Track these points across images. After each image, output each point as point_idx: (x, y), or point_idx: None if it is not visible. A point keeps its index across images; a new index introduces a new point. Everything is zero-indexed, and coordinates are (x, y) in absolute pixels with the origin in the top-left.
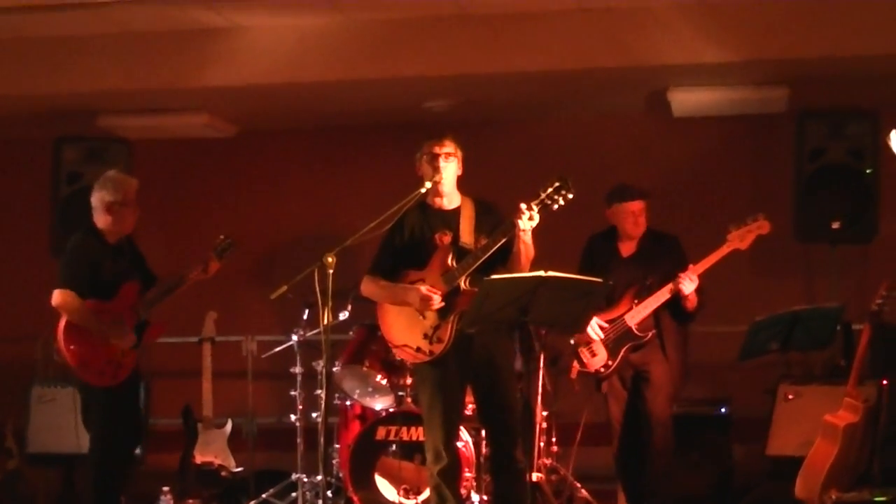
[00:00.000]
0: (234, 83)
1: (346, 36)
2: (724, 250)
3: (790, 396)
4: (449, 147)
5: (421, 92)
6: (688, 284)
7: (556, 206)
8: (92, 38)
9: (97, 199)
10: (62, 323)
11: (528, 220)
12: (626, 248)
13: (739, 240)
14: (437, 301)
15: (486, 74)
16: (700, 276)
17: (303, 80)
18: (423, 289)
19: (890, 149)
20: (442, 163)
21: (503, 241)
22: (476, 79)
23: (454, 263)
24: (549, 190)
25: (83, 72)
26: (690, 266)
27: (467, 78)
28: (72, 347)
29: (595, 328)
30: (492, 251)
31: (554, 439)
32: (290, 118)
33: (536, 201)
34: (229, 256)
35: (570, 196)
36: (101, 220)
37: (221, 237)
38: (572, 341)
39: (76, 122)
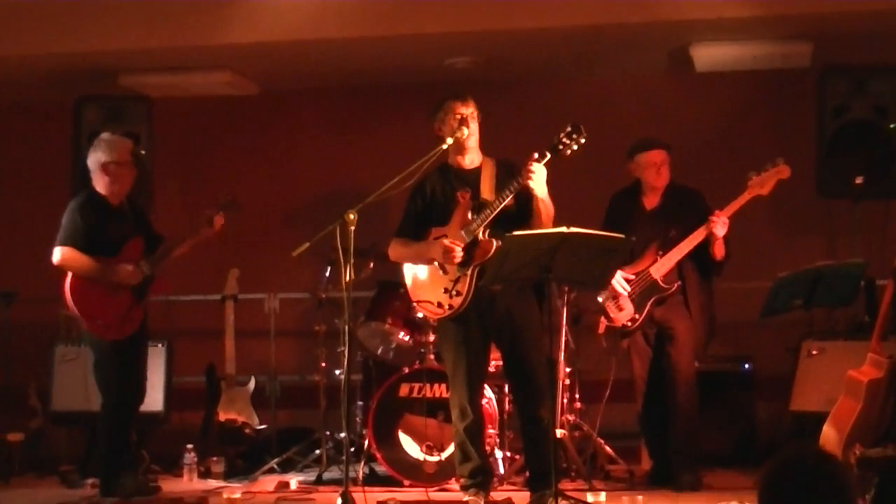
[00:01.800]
0: (256, 40)
1: None
2: (745, 196)
3: (814, 352)
4: (472, 107)
5: (443, 49)
6: (720, 227)
7: (568, 152)
8: None
9: (93, 161)
10: (67, 279)
11: (535, 174)
12: (650, 202)
13: (760, 186)
14: (458, 253)
15: (509, 31)
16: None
17: (325, 37)
18: (446, 242)
19: None
20: (469, 122)
21: (518, 189)
22: (498, 35)
23: (474, 217)
24: (562, 135)
25: (104, 31)
26: (717, 211)
27: (489, 35)
28: (79, 301)
29: (621, 282)
30: (507, 200)
31: (577, 396)
32: (312, 77)
33: (550, 147)
34: (233, 213)
35: (583, 140)
36: (98, 181)
37: (222, 196)
38: (600, 298)
39: (97, 82)
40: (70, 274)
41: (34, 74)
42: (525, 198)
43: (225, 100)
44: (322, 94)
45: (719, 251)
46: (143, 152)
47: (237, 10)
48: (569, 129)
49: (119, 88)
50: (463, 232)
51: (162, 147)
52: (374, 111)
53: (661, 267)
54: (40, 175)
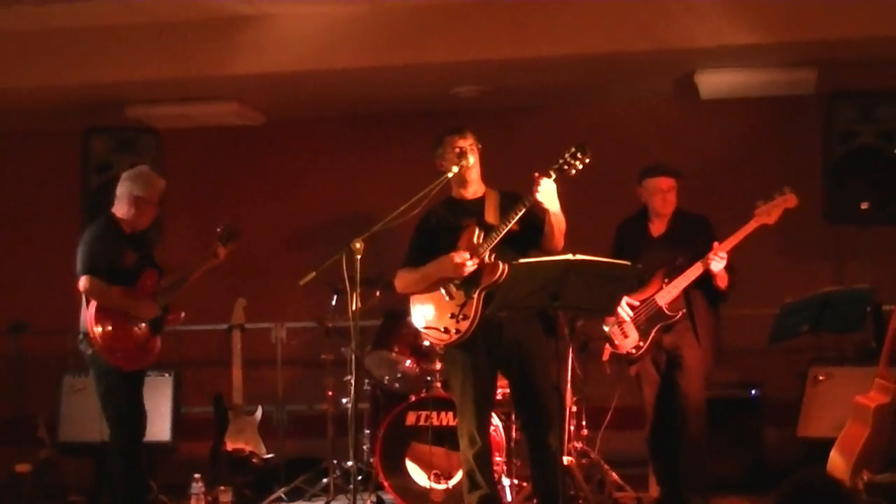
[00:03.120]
0: (263, 71)
1: (374, 23)
2: (751, 225)
3: (821, 378)
4: (470, 140)
5: (449, 78)
6: (717, 263)
7: (573, 171)
8: (120, 29)
9: (126, 189)
10: (92, 308)
11: (543, 188)
12: (657, 228)
13: (766, 214)
14: (469, 264)
15: (515, 60)
16: (729, 254)
17: (331, 68)
18: (454, 255)
19: None
20: (468, 154)
21: (526, 208)
22: (504, 65)
23: (480, 240)
24: (567, 155)
25: (111, 62)
26: (716, 244)
27: (495, 64)
28: (102, 331)
29: (625, 308)
30: (513, 222)
31: (584, 423)
32: (319, 106)
33: (554, 166)
34: (234, 243)
35: (587, 160)
36: (123, 210)
37: (220, 228)
38: (606, 327)
39: (104, 114)
40: (94, 303)
41: (42, 105)
42: (532, 221)
43: (232, 130)
44: (328, 123)
45: (721, 282)
46: None
47: (244, 42)
48: (573, 149)
49: (126, 120)
50: (470, 253)
51: (171, 177)
52: (380, 140)
53: (666, 294)
54: (48, 205)
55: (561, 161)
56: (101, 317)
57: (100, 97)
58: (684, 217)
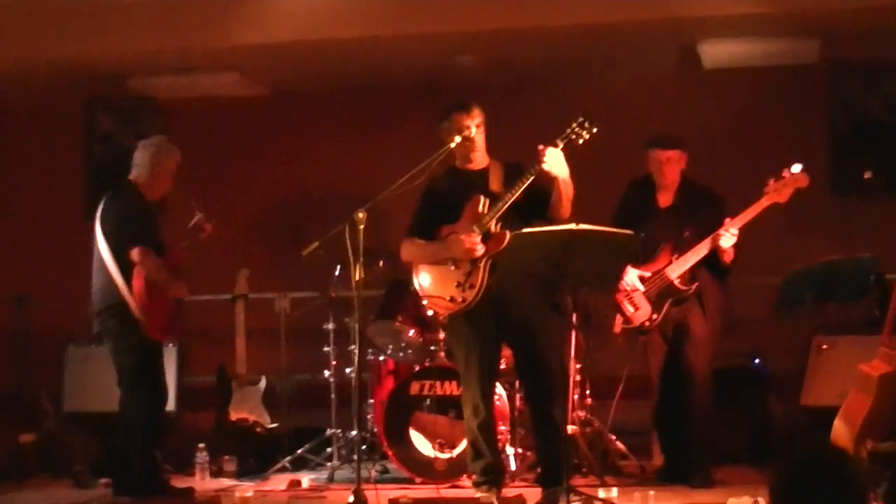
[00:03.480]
0: (265, 41)
1: None
2: (763, 203)
3: (825, 347)
4: (477, 118)
5: (451, 49)
6: (727, 238)
7: (580, 141)
8: (121, 1)
9: (147, 157)
10: (140, 279)
11: (550, 157)
12: (664, 199)
13: (777, 193)
14: (479, 248)
15: (516, 29)
16: (739, 230)
17: (332, 38)
18: (463, 237)
19: None
20: (474, 133)
21: (531, 178)
22: (506, 34)
23: (485, 209)
24: (574, 125)
25: (113, 34)
26: (727, 220)
27: (497, 34)
28: (150, 303)
29: (636, 280)
30: (519, 192)
31: (588, 393)
32: (321, 77)
33: (561, 136)
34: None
35: (594, 130)
36: (144, 178)
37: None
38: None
39: (107, 85)
40: (142, 274)
41: (44, 78)
42: (537, 191)
43: (234, 101)
44: (330, 94)
45: (727, 257)
46: None
47: (245, 12)
48: (581, 118)
49: (128, 91)
50: (475, 226)
51: None
52: (382, 111)
53: (676, 268)
54: (51, 178)
55: (568, 131)
56: (145, 287)
57: (102, 69)
58: (693, 189)
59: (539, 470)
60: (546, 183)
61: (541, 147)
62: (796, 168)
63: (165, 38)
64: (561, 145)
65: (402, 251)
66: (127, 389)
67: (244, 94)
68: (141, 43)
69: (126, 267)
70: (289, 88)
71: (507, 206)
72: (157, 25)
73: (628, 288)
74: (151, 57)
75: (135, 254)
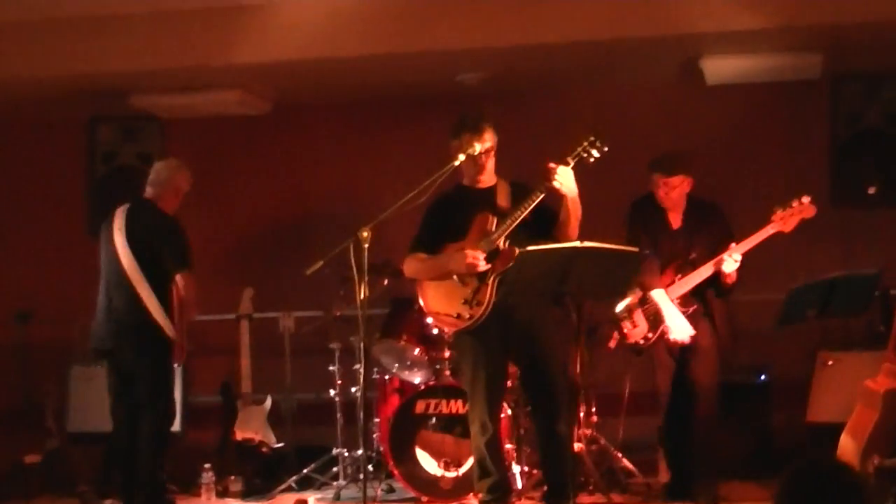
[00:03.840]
0: (267, 60)
1: (377, 10)
2: (767, 231)
3: (830, 363)
4: (488, 142)
5: (453, 65)
6: (729, 264)
7: (591, 160)
8: (123, 19)
9: (168, 177)
10: (178, 302)
11: (561, 175)
12: (675, 220)
13: (783, 222)
14: (482, 263)
15: (519, 46)
16: (743, 255)
17: (335, 56)
18: (468, 251)
19: None
20: (484, 160)
21: (540, 198)
22: (508, 51)
23: (493, 227)
24: (585, 143)
25: (115, 52)
26: (732, 245)
27: (499, 50)
28: (180, 325)
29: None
30: (528, 211)
31: (594, 410)
32: (324, 94)
33: (572, 154)
34: None
35: (605, 149)
36: (164, 199)
37: None
38: (618, 309)
39: (109, 103)
40: (180, 296)
41: (47, 94)
42: (544, 210)
43: (237, 118)
44: (333, 110)
45: (728, 279)
46: None
47: (247, 30)
48: (591, 137)
49: (130, 109)
50: (482, 243)
51: None
52: (385, 127)
53: (677, 289)
54: (54, 194)
55: (579, 149)
56: (181, 311)
57: (104, 86)
58: (698, 207)
59: (545, 488)
60: (554, 201)
61: (551, 165)
62: (805, 199)
63: (167, 56)
64: (572, 163)
65: (405, 267)
66: (147, 408)
67: (246, 112)
68: (143, 61)
69: (157, 286)
70: (291, 105)
71: (516, 223)
72: (159, 44)
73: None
74: (153, 75)
75: (182, 277)
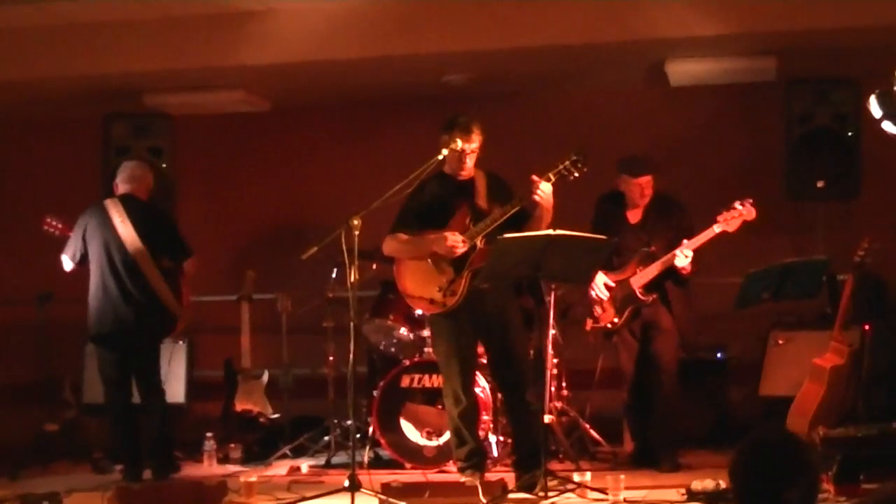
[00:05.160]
0: (268, 62)
1: (370, 16)
2: (713, 231)
3: (781, 341)
4: (475, 142)
5: (441, 67)
6: (681, 259)
7: (572, 178)
8: (136, 23)
9: (148, 179)
10: (187, 287)
11: (542, 190)
12: (634, 216)
13: (727, 223)
14: (461, 247)
15: (500, 50)
16: (694, 251)
17: (330, 58)
18: (448, 234)
19: (870, 112)
20: (468, 158)
21: (517, 208)
22: (491, 54)
23: (472, 224)
24: (567, 163)
25: (128, 54)
26: (685, 241)
27: (483, 53)
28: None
29: (601, 288)
30: (507, 216)
31: (564, 384)
32: (320, 94)
33: (554, 171)
34: None
35: (585, 169)
36: (144, 194)
37: None
38: (592, 293)
39: (122, 101)
40: (188, 279)
41: (64, 94)
42: (519, 213)
43: (240, 116)
44: (329, 109)
45: (684, 271)
46: (164, 166)
47: (250, 34)
48: (574, 157)
49: (143, 107)
50: (465, 234)
51: (184, 159)
52: (376, 125)
53: (639, 279)
54: (70, 185)
55: (561, 167)
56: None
57: (118, 86)
58: (661, 205)
59: (516, 456)
60: (530, 207)
61: (535, 178)
62: (747, 203)
63: (177, 58)
64: (553, 180)
65: (385, 245)
66: (157, 385)
67: (248, 110)
68: (155, 62)
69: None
70: (290, 104)
71: (495, 225)
72: (169, 47)
73: (597, 293)
74: (164, 75)
75: (192, 263)
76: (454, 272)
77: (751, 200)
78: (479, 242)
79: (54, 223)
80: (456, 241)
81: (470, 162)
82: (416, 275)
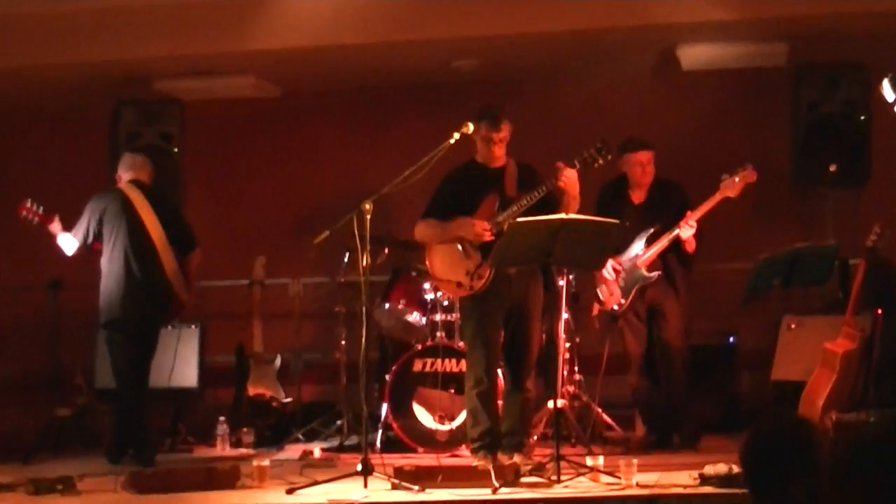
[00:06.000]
0: (278, 47)
1: (378, 2)
2: (716, 198)
3: (793, 326)
4: (504, 131)
5: (450, 53)
6: (685, 230)
7: (596, 165)
8: (147, 9)
9: (150, 170)
10: (192, 277)
11: (567, 176)
12: (637, 196)
13: (729, 188)
14: (488, 234)
15: (510, 35)
16: (698, 221)
17: (340, 44)
18: (477, 222)
19: (883, 96)
20: (495, 147)
21: (543, 194)
22: (500, 40)
23: (499, 211)
24: (592, 150)
25: (139, 40)
26: (688, 213)
27: (492, 39)
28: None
29: (609, 269)
30: (534, 201)
31: (576, 369)
32: (330, 80)
33: (580, 158)
34: None
35: (609, 157)
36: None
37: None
38: (599, 291)
39: (133, 87)
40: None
41: (74, 80)
42: (547, 198)
43: (250, 102)
44: (338, 95)
45: (689, 247)
46: (175, 150)
47: (259, 20)
48: (598, 145)
49: (153, 93)
50: (490, 223)
51: (194, 145)
52: (386, 110)
53: (644, 258)
54: (80, 172)
55: (586, 155)
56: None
57: (128, 72)
58: (662, 185)
59: (502, 433)
60: (556, 194)
61: (560, 164)
62: (748, 167)
63: (187, 44)
64: (578, 167)
65: (417, 230)
66: (149, 367)
67: (259, 96)
68: (165, 48)
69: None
70: (300, 89)
71: (521, 210)
72: (179, 33)
73: (604, 275)
74: (174, 61)
75: (197, 255)
76: (481, 257)
77: (751, 164)
78: (505, 228)
79: (34, 209)
80: (484, 227)
81: (499, 151)
82: (445, 259)
